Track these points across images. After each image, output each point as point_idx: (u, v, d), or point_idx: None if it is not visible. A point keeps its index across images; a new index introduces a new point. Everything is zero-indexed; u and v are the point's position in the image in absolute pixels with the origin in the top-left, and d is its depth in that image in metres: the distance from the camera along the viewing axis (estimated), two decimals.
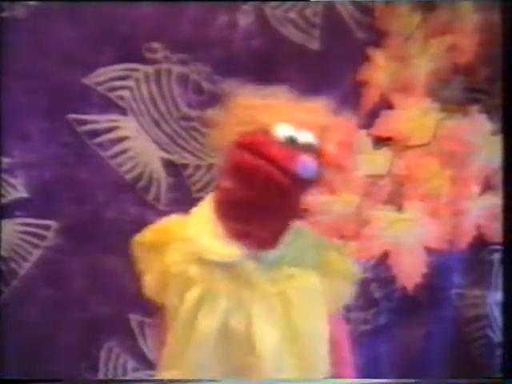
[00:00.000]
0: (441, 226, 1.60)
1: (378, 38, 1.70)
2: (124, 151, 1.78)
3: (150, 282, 1.34)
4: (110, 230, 1.77)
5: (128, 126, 1.77)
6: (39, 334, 1.79)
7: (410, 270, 1.61)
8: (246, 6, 1.73)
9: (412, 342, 1.91)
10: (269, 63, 1.74)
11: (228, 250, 1.28)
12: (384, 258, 1.64)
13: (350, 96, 1.71)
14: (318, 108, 1.30)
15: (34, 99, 1.72)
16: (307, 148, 1.24)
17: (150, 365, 1.79)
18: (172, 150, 1.78)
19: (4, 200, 1.76)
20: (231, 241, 1.28)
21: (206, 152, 1.77)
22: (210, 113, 1.34)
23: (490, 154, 1.60)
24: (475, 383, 1.70)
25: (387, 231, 1.60)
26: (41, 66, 1.71)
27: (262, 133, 1.25)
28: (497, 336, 1.91)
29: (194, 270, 1.29)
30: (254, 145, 1.24)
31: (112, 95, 1.75)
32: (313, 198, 1.61)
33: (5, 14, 1.68)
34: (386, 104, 1.66)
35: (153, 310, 1.37)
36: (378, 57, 1.69)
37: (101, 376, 1.83)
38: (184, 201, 1.73)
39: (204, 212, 1.32)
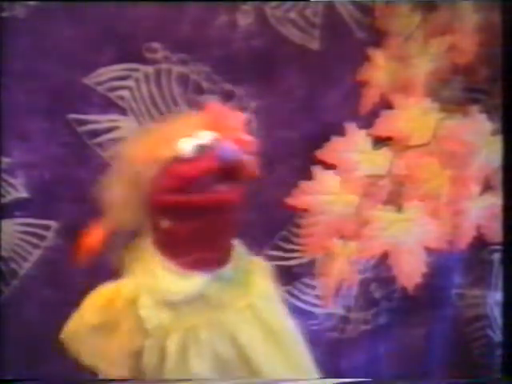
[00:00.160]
0: (441, 226, 1.60)
1: (378, 37, 1.70)
2: None
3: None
4: None
5: (128, 125, 1.77)
6: (39, 333, 1.79)
7: (410, 270, 1.60)
8: (246, 6, 1.73)
9: (412, 342, 1.91)
10: (269, 63, 1.74)
11: (190, 281, 1.28)
12: (384, 258, 1.64)
13: (349, 96, 1.72)
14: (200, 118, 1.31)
15: (33, 99, 1.72)
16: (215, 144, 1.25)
17: None
18: None
19: (4, 200, 1.76)
20: (188, 272, 1.28)
21: None
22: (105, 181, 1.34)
23: (490, 154, 1.60)
24: (475, 383, 1.70)
25: (387, 231, 1.60)
26: (41, 66, 1.71)
27: (172, 164, 1.25)
28: (497, 336, 1.91)
29: (165, 315, 1.28)
30: (175, 181, 1.24)
31: (112, 95, 1.75)
32: (313, 198, 1.61)
33: (5, 14, 1.68)
34: (386, 104, 1.66)
35: None
36: (378, 57, 1.69)
37: (101, 376, 1.83)
38: None
39: (147, 259, 1.32)
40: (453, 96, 1.67)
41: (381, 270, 1.78)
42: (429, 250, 1.63)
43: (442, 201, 1.61)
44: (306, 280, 1.84)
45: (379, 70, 1.69)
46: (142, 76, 1.75)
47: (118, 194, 1.30)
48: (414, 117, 1.63)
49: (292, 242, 1.81)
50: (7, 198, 1.76)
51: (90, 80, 1.73)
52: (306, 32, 1.75)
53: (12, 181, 1.76)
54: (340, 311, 1.87)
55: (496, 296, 1.89)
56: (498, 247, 1.79)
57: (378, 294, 1.87)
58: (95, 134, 1.76)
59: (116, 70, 1.74)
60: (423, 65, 1.66)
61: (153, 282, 1.28)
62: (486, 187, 1.62)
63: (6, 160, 1.75)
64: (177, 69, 1.75)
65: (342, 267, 1.63)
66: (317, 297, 1.81)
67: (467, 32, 1.64)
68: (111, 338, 1.32)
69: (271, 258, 1.82)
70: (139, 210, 1.28)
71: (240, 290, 1.32)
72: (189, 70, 1.75)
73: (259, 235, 1.79)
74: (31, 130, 1.75)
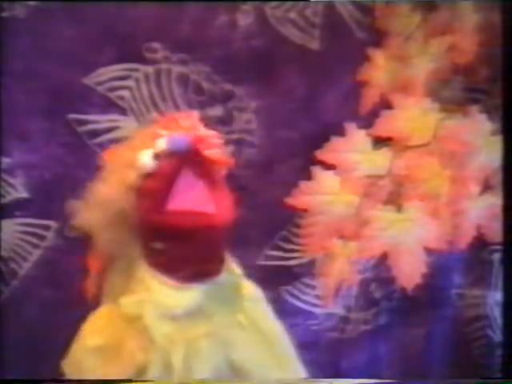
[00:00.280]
0: (441, 226, 1.60)
1: (378, 37, 1.70)
2: None
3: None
4: None
5: (128, 125, 1.77)
6: (39, 333, 1.79)
7: (410, 270, 1.61)
8: (246, 6, 1.73)
9: (412, 342, 1.91)
10: (269, 63, 1.74)
11: (188, 293, 1.31)
12: (384, 258, 1.64)
13: (349, 96, 1.72)
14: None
15: (33, 99, 1.72)
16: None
17: None
18: None
19: (4, 200, 1.76)
20: (185, 285, 1.30)
21: None
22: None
23: (490, 154, 1.60)
24: (475, 383, 1.70)
25: (387, 231, 1.60)
26: (41, 66, 1.71)
27: (141, 183, 1.28)
28: (497, 336, 1.91)
29: (169, 328, 1.30)
30: (152, 197, 1.26)
31: (112, 95, 1.75)
32: (313, 198, 1.62)
33: (5, 14, 1.68)
34: (385, 104, 1.66)
35: None
36: (378, 57, 1.69)
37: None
38: None
39: (145, 278, 1.34)
40: (453, 96, 1.67)
41: (381, 270, 1.78)
42: (429, 250, 1.63)
43: (441, 201, 1.61)
44: (306, 280, 1.84)
45: (379, 70, 1.69)
46: (142, 76, 1.75)
47: (95, 218, 1.33)
48: (414, 117, 1.63)
49: (292, 242, 1.81)
50: (7, 198, 1.76)
51: (89, 80, 1.73)
52: (306, 32, 1.75)
53: (12, 181, 1.76)
54: (340, 311, 1.87)
55: (496, 296, 1.89)
56: (498, 247, 1.79)
57: (377, 294, 1.87)
58: (95, 133, 1.76)
59: (116, 70, 1.74)
60: (423, 65, 1.66)
61: (153, 298, 1.31)
62: (486, 187, 1.63)
63: (5, 160, 1.74)
64: (177, 69, 1.75)
65: (342, 267, 1.63)
66: (317, 297, 1.81)
67: (467, 32, 1.64)
68: (115, 358, 1.34)
69: (271, 258, 1.82)
70: (126, 233, 1.32)
71: (232, 295, 1.35)
72: (189, 70, 1.75)
73: (259, 235, 1.79)
74: (31, 130, 1.74)
